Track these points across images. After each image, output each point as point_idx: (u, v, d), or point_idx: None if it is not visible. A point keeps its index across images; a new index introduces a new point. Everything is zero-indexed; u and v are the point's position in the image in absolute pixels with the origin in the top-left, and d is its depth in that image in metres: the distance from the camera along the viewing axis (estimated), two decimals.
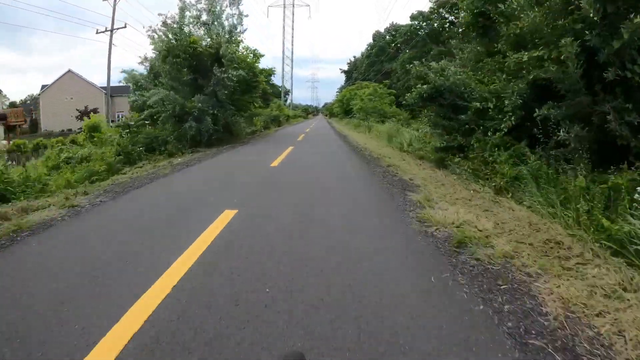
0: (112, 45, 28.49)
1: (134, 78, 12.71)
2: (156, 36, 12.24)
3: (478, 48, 8.34)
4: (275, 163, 7.46)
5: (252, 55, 14.72)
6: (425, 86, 7.14)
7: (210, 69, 11.72)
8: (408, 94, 7.44)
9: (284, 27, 63.12)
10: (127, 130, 9.63)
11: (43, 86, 41.98)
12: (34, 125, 41.17)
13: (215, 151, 10.20)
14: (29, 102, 51.21)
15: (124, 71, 12.44)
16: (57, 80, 40.98)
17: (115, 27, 27.40)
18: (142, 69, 13.94)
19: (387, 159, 8.05)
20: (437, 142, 7.36)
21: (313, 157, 9.03)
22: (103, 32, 28.45)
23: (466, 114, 6.59)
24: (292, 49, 63.67)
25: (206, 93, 11.49)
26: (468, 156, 6.65)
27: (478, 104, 6.25)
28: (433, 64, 7.15)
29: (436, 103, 7.25)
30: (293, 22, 62.41)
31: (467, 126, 6.76)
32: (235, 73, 11.48)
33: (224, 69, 11.37)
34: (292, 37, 63.03)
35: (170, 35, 11.92)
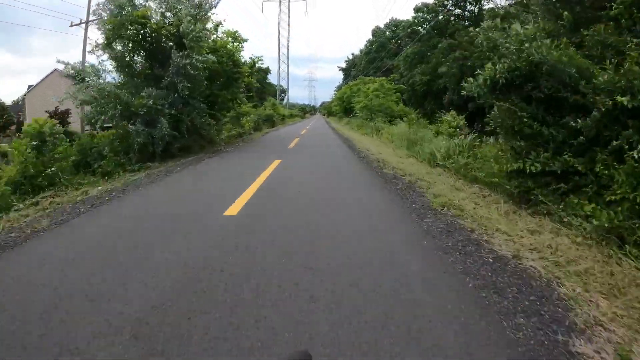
0: (89, 40, 25.53)
1: (75, 69, 9.60)
2: (104, 15, 9.19)
3: (565, 13, 5.31)
4: (237, 205, 4.11)
5: (232, 39, 11.56)
6: (500, 66, 4.15)
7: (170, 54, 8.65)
8: (470, 80, 4.43)
9: (279, 22, 60.00)
10: (36, 142, 6.53)
11: (29, 86, 38.59)
12: (21, 127, 37.89)
13: (167, 168, 7.11)
14: (20, 103, 48.26)
15: (59, 61, 9.35)
16: (44, 79, 37.68)
17: (90, 19, 24.43)
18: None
19: (428, 185, 5.05)
20: (517, 162, 4.35)
21: (307, 181, 5.87)
22: (77, 24, 25.45)
23: (589, 117, 3.59)
24: (288, 44, 60.29)
25: (163, 86, 8.43)
26: (585, 191, 3.72)
27: (625, 100, 3.25)
28: (515, 26, 4.13)
29: (518, 94, 4.27)
30: (289, 17, 58.94)
31: (582, 138, 3.79)
32: (200, 58, 8.38)
33: (186, 52, 8.28)
34: (288, 32, 59.45)
35: (116, 11, 8.84)
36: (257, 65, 13.77)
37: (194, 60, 8.17)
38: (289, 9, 59.44)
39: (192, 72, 8.15)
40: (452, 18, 39.73)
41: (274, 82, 58.70)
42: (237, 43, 11.60)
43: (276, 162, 7.49)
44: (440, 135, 10.93)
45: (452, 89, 30.31)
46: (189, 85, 8.23)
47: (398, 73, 36.50)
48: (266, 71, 59.00)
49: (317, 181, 5.90)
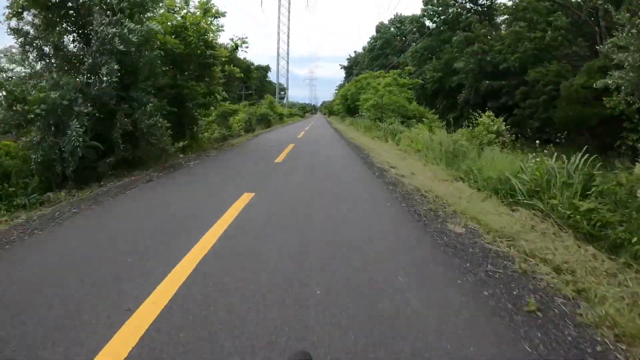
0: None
1: None
2: None
3: None
4: None
5: (204, 13, 8.61)
6: None
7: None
8: None
9: (279, 16, 57.04)
10: None
11: None
12: None
13: (61, 208, 4.19)
14: None
15: None
16: None
17: None
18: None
19: (566, 283, 2.21)
20: None
21: (289, 264, 2.51)
22: None
23: None
24: (288, 40, 57.25)
25: (83, 70, 5.56)
26: None
27: None
28: None
29: None
30: (289, 12, 55.86)
31: None
32: (133, 26, 5.45)
33: (115, 18, 5.41)
34: (288, 27, 56.32)
35: None
36: (240, 48, 10.85)
37: (125, 30, 5.27)
38: (289, 4, 56.36)
39: (121, 47, 5.24)
40: (463, 12, 36.94)
41: (274, 80, 55.82)
42: (211, 17, 8.63)
43: (243, 200, 4.48)
44: (483, 144, 8.03)
45: (469, 86, 27.34)
46: (117, 67, 5.32)
47: (409, 67, 33.56)
48: (266, 69, 56.04)
49: (311, 259, 3.02)
